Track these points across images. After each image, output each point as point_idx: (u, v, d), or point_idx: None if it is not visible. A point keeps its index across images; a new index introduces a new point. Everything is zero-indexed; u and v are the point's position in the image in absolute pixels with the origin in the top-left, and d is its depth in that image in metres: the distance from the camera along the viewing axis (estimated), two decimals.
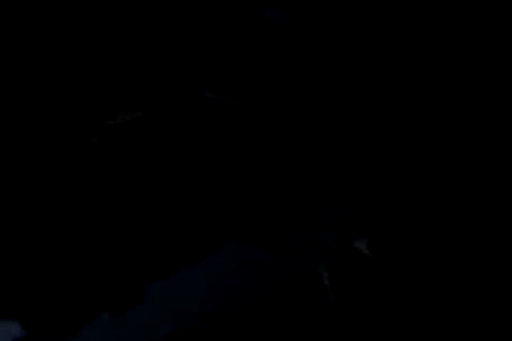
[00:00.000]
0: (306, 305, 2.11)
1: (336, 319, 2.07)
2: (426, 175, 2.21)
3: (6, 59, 2.22)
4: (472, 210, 2.18)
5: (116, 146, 2.15)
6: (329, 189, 2.19)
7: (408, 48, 2.30)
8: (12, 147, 2.16)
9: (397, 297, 2.09)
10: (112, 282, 2.08)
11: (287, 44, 2.24)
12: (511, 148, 2.23)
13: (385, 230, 2.16)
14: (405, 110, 2.26)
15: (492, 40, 2.32)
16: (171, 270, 2.10)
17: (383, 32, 2.28)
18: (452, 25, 2.32)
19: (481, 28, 2.32)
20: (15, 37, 2.25)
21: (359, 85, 2.24)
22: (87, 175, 2.12)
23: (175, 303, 2.07)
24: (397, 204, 2.18)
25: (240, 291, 2.11)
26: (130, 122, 2.18)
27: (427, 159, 2.23)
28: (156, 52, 2.24)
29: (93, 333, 2.01)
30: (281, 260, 2.13)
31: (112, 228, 2.10)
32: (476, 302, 2.07)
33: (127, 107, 2.20)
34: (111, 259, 2.07)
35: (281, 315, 2.09)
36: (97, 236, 2.08)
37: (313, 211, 2.17)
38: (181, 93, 2.19)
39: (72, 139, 2.16)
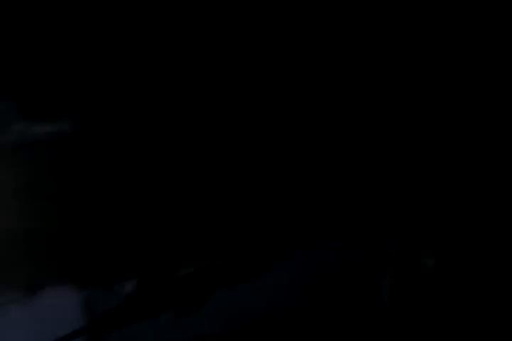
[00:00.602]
0: (363, 312, 2.16)
1: (389, 328, 2.12)
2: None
3: None
4: None
5: None
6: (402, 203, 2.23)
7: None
8: None
9: (456, 315, 2.12)
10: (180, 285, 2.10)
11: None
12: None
13: (455, 252, 2.16)
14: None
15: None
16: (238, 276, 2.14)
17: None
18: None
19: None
20: None
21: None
22: None
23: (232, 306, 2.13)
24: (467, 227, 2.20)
25: (300, 295, 2.15)
26: None
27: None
28: None
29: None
30: (345, 267, 2.17)
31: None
32: None
33: None
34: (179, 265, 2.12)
35: (336, 320, 2.13)
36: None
37: (381, 222, 2.20)
38: None
39: None
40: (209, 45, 2.17)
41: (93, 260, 2.04)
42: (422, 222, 2.22)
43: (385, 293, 2.15)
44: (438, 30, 2.24)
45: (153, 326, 2.07)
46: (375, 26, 2.22)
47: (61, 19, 2.08)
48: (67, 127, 2.09)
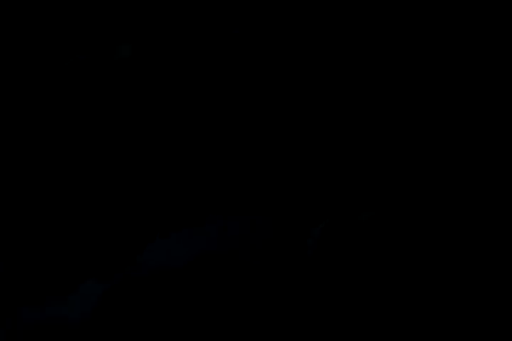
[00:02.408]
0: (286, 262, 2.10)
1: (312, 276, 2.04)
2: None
3: None
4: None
5: None
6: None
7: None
8: None
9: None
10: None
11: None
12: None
13: (392, 209, 2.09)
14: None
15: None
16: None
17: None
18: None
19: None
20: None
21: None
22: None
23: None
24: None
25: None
26: None
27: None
28: None
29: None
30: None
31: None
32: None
33: None
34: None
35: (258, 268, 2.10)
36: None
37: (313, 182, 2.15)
38: None
39: None
40: None
41: None
42: (361, 176, 2.16)
43: (310, 244, 2.07)
44: None
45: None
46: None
47: None
48: None
